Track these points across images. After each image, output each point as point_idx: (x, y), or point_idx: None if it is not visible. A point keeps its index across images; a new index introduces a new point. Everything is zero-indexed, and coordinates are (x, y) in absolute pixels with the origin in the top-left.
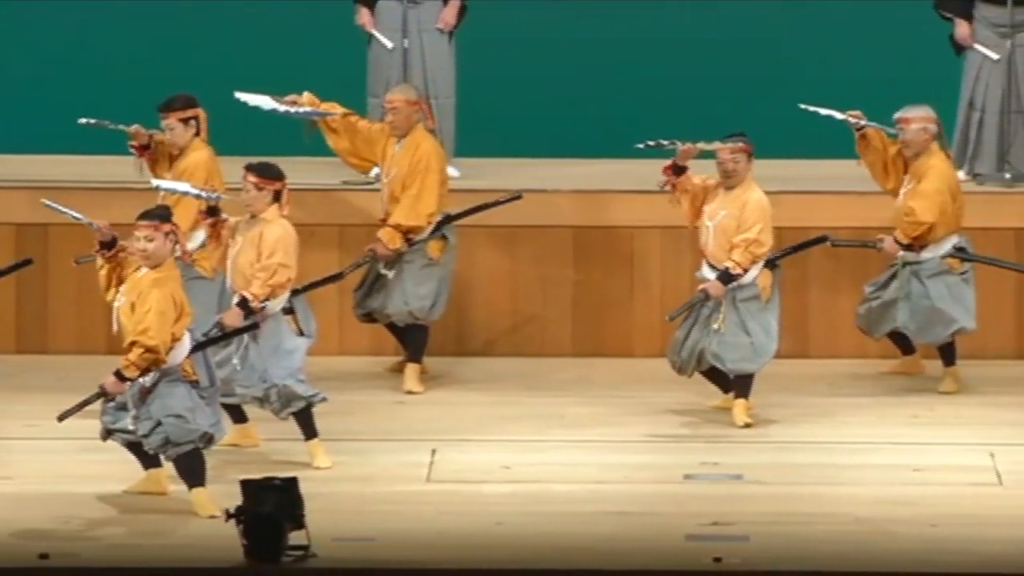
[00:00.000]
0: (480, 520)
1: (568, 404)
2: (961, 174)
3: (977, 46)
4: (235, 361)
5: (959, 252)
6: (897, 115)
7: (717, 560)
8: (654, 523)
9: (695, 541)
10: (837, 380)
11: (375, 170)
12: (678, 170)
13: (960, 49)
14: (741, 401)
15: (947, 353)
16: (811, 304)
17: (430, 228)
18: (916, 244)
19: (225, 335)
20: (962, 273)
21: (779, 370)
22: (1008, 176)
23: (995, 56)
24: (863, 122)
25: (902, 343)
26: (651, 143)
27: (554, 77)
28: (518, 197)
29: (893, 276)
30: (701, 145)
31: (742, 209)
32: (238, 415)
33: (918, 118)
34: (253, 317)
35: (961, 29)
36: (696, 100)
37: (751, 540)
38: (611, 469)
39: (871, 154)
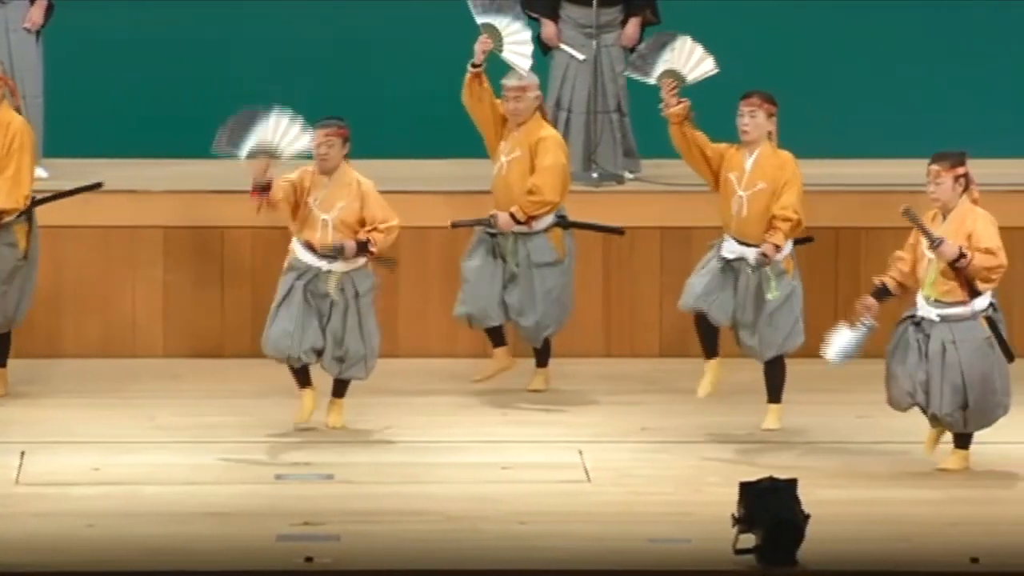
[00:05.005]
0: (70, 522)
1: (159, 405)
2: None
3: (563, 46)
4: None
5: (560, 220)
6: (505, 82)
7: (308, 560)
8: (245, 523)
9: (286, 541)
10: (428, 379)
11: None
12: (264, 188)
13: (547, 49)
14: (337, 400)
15: (542, 354)
16: (400, 303)
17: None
18: (530, 220)
19: None
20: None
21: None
22: (595, 176)
23: (581, 57)
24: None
25: (495, 335)
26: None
27: (143, 77)
28: (99, 185)
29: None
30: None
31: (364, 199)
32: None
33: (529, 86)
34: None
35: (547, 29)
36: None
37: (342, 539)
38: (202, 470)
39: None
